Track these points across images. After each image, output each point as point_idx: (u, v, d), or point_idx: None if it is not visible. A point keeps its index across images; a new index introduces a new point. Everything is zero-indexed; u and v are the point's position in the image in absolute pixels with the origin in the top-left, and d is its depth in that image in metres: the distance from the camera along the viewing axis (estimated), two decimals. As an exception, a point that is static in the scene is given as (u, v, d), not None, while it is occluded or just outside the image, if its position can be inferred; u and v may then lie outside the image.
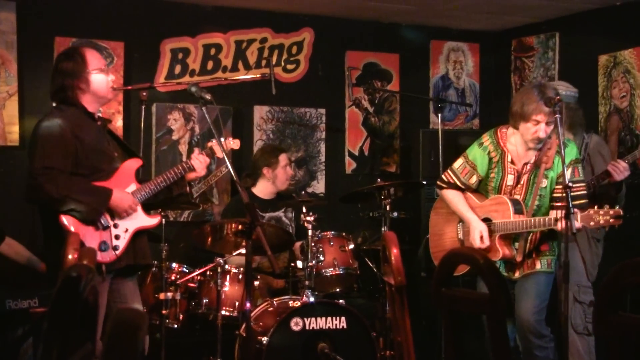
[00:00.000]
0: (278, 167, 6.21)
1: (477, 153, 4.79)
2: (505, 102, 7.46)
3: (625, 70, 6.41)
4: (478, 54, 7.85)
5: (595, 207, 4.36)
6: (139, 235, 4.40)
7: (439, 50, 7.73)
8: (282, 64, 7.11)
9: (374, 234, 6.57)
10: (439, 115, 6.70)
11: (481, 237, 4.65)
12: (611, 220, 4.30)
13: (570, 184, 4.25)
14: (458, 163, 4.87)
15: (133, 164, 4.45)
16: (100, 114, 4.51)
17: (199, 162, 4.63)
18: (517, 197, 4.68)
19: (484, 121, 7.76)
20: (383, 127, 7.52)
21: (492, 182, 4.76)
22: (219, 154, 4.70)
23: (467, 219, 4.77)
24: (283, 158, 6.23)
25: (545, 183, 4.66)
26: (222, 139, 4.76)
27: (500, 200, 4.68)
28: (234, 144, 5.01)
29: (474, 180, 4.80)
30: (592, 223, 4.32)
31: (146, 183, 4.45)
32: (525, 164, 4.71)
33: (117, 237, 4.26)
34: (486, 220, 4.73)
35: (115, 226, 4.28)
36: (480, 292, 3.67)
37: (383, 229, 5.70)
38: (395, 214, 5.87)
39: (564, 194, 4.33)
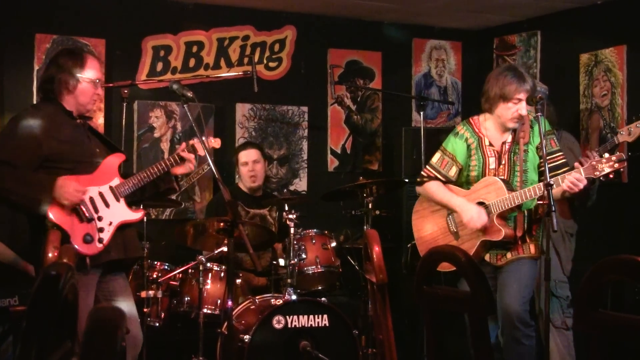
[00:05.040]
0: (238, 164, 6.24)
1: (455, 143, 4.80)
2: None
3: (606, 68, 6.44)
4: (460, 52, 7.87)
5: (597, 157, 4.38)
6: (126, 228, 4.39)
7: (422, 49, 7.74)
8: (265, 61, 7.10)
9: (356, 232, 6.58)
10: (421, 113, 6.70)
11: (478, 217, 4.58)
12: (615, 165, 4.31)
13: (552, 182, 4.26)
14: (436, 157, 4.85)
15: (115, 159, 4.45)
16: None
17: (188, 156, 4.63)
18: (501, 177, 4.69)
19: (466, 119, 7.77)
20: (365, 125, 7.52)
21: (473, 170, 4.74)
22: (201, 152, 4.68)
23: (456, 204, 4.70)
24: (242, 155, 6.25)
25: (524, 158, 4.67)
26: (204, 138, 4.75)
27: (490, 181, 4.65)
28: (215, 142, 4.99)
29: (453, 171, 4.77)
30: (597, 173, 4.33)
31: (129, 177, 4.45)
32: (504, 143, 4.73)
33: (101, 229, 4.25)
34: (479, 205, 4.66)
35: (100, 219, 4.27)
36: (462, 290, 3.66)
37: (365, 226, 5.69)
38: (377, 211, 5.87)
39: (555, 162, 4.50)
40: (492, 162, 4.71)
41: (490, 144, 4.73)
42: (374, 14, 7.25)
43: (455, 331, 4.91)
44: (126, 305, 4.44)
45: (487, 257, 4.73)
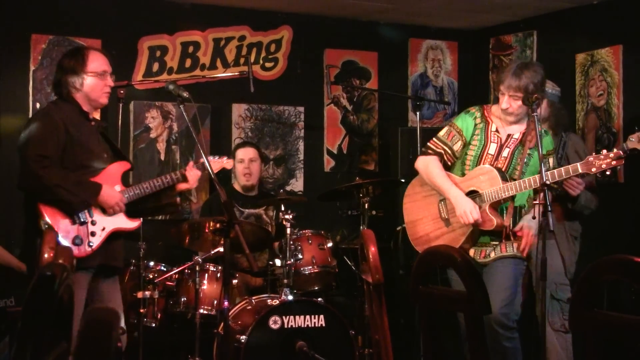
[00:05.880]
0: (234, 161, 6.21)
1: (464, 118, 4.78)
2: (483, 100, 7.51)
3: (602, 68, 6.44)
4: (456, 52, 7.87)
5: (594, 153, 4.36)
6: (115, 237, 4.41)
7: (418, 49, 7.74)
8: (261, 61, 7.10)
9: (353, 232, 6.58)
10: (418, 113, 6.69)
11: (471, 212, 4.53)
12: (613, 162, 4.27)
13: (548, 182, 4.25)
14: (443, 131, 4.82)
15: (120, 166, 4.50)
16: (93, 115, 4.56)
17: (194, 174, 4.63)
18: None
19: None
20: (362, 125, 7.52)
21: (472, 150, 4.71)
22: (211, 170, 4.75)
23: (452, 195, 4.63)
24: (240, 152, 6.22)
25: (527, 161, 4.65)
26: (216, 158, 4.82)
27: (486, 169, 4.62)
28: (227, 163, 4.98)
29: (459, 145, 4.73)
30: (593, 169, 4.29)
31: (131, 186, 4.49)
32: (510, 135, 4.69)
33: (92, 233, 4.27)
34: (472, 193, 4.64)
35: (93, 223, 4.29)
36: (458, 289, 3.67)
37: (361, 227, 5.69)
38: (373, 212, 5.87)
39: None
40: (492, 148, 4.67)
41: (497, 131, 4.71)
42: (370, 14, 7.25)
43: (452, 331, 4.93)
44: (112, 305, 4.47)
45: (471, 253, 4.69)
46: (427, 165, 4.80)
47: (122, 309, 4.65)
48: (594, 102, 6.50)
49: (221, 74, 6.83)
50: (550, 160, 4.74)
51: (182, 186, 4.65)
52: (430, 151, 4.82)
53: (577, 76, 6.65)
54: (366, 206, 5.73)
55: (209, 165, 4.40)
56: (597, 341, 2.29)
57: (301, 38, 7.24)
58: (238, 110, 7.04)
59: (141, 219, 4.62)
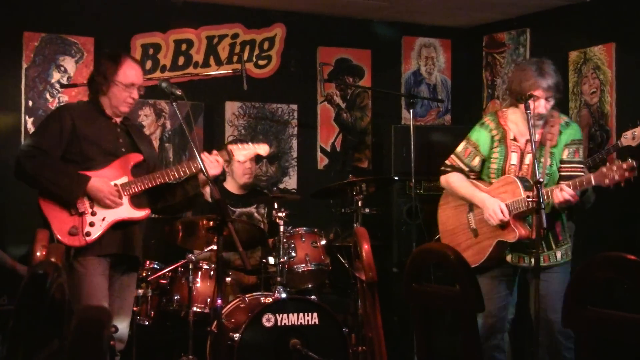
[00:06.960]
0: (234, 160, 6.17)
1: (479, 132, 4.70)
2: (476, 98, 7.52)
3: (595, 66, 6.45)
4: (450, 50, 7.87)
5: (607, 163, 4.30)
6: (127, 226, 4.46)
7: (411, 46, 7.74)
8: (254, 59, 7.08)
9: (346, 230, 6.57)
10: (411, 111, 6.70)
11: (500, 211, 4.45)
12: (626, 173, 4.18)
13: (541, 180, 4.20)
14: (460, 147, 4.75)
15: (130, 158, 4.54)
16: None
17: (212, 160, 4.60)
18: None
19: (456, 117, 7.78)
20: (355, 123, 7.52)
21: (494, 163, 4.63)
22: (240, 157, 4.81)
23: (479, 199, 4.58)
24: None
25: (550, 161, 4.56)
26: (250, 144, 4.85)
27: (508, 180, 4.55)
28: (260, 148, 4.93)
29: (477, 161, 4.67)
30: (607, 180, 4.21)
31: (141, 177, 4.51)
32: (528, 140, 4.55)
33: (91, 224, 4.33)
34: None
35: (93, 214, 4.35)
36: (451, 287, 3.67)
37: (355, 224, 5.69)
38: (367, 209, 5.87)
39: (572, 173, 4.45)
40: (514, 158, 4.60)
41: (515, 139, 4.63)
42: (363, 12, 7.25)
43: (445, 329, 4.93)
44: (119, 302, 4.52)
45: (508, 259, 4.61)
46: (448, 181, 4.76)
47: (131, 310, 4.71)
48: (587, 100, 6.50)
49: (214, 71, 6.82)
50: (581, 150, 4.66)
51: (203, 175, 4.61)
52: (449, 169, 4.77)
53: (570, 74, 6.65)
54: (359, 204, 5.72)
55: (203, 165, 4.38)
56: (591, 339, 2.29)
57: (294, 36, 7.23)
58: (231, 108, 7.03)
59: (149, 209, 4.58)
